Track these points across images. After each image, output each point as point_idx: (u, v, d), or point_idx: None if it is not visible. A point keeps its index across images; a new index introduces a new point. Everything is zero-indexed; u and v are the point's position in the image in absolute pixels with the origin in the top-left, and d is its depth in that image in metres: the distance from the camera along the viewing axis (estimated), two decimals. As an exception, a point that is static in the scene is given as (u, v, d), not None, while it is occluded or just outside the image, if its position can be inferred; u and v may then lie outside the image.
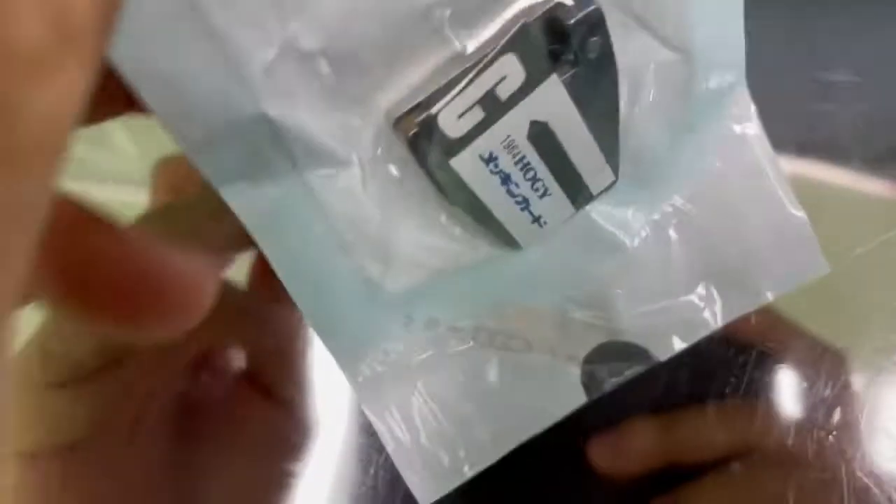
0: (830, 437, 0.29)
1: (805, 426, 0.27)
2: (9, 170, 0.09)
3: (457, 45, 0.19)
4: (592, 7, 0.19)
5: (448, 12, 0.18)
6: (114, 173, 0.21)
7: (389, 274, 0.23)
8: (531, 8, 0.19)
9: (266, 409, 0.29)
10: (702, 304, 0.26)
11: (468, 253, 0.24)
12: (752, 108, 0.24)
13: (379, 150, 0.20)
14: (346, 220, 0.21)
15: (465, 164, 0.20)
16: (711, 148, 0.25)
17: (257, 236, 0.19)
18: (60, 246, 0.14)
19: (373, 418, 0.24)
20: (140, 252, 0.16)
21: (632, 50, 0.22)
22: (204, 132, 0.17)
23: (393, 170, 0.21)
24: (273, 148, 0.18)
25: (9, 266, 0.09)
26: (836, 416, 0.29)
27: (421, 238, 0.23)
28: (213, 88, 0.16)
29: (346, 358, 0.23)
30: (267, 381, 0.29)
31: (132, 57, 0.15)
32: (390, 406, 0.24)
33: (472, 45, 0.19)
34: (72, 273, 0.15)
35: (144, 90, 0.15)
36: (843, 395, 0.30)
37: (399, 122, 0.19)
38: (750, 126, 0.25)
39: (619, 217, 0.25)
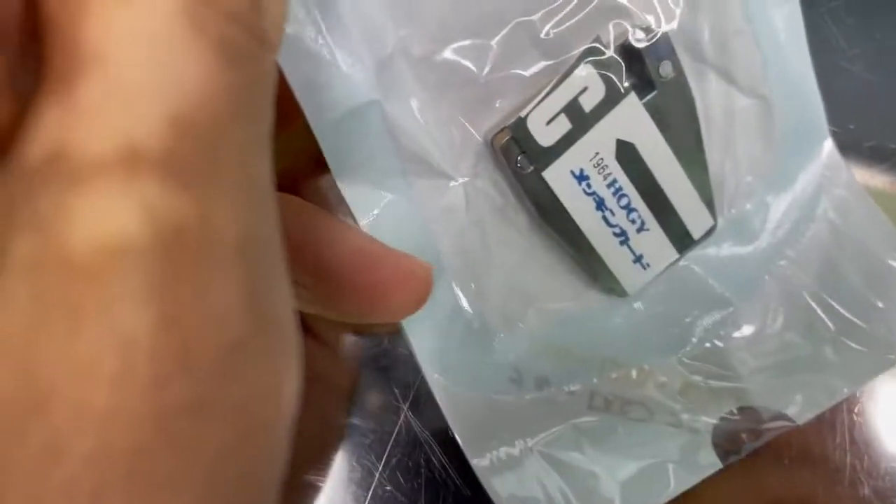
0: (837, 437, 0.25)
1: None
2: (266, 46, 0.11)
3: (540, 60, 0.22)
4: (661, 34, 0.22)
5: (536, 31, 0.21)
6: None
7: (489, 310, 0.23)
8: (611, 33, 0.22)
9: (314, 349, 0.27)
10: (830, 365, 0.24)
11: (571, 294, 0.24)
12: (841, 161, 0.25)
13: (479, 170, 0.22)
14: (448, 242, 0.22)
15: (558, 177, 0.22)
16: (810, 202, 0.25)
17: (369, 228, 0.21)
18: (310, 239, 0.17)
19: (483, 477, 0.23)
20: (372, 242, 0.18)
21: (709, 96, 0.24)
22: (330, 116, 0.19)
23: (494, 194, 0.22)
24: (387, 148, 0.21)
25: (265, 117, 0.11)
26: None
27: (521, 275, 0.23)
28: (339, 75, 0.19)
29: (453, 403, 0.23)
30: (310, 322, 0.27)
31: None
32: (505, 471, 0.23)
33: (553, 59, 0.22)
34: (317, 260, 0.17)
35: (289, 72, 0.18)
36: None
37: (495, 137, 0.22)
38: (846, 180, 0.25)
39: (724, 271, 0.25)
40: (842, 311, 0.25)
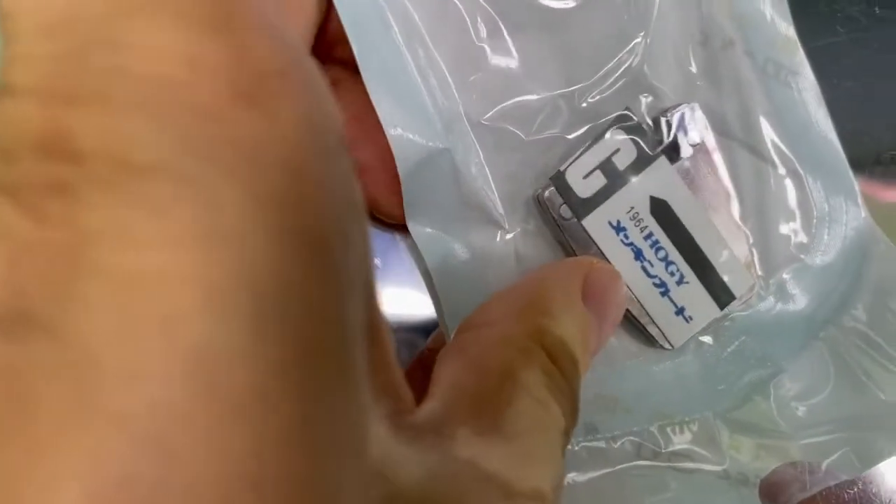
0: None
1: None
2: None
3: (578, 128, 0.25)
4: (686, 104, 0.25)
5: (575, 102, 0.25)
6: None
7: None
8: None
9: None
10: (880, 427, 0.24)
11: (620, 346, 0.25)
12: (878, 230, 0.27)
13: (529, 223, 0.25)
14: (498, 289, 0.25)
15: (597, 226, 0.25)
16: (853, 271, 0.27)
17: (431, 268, 0.24)
18: None
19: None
20: None
21: (740, 169, 0.26)
22: (414, 157, 0.23)
23: (542, 248, 0.25)
24: (452, 196, 0.24)
25: None
26: None
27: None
28: (426, 115, 0.23)
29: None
30: None
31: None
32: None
33: (589, 124, 0.25)
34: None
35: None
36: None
37: (540, 190, 0.25)
38: (884, 249, 0.26)
39: (769, 332, 0.26)
40: (889, 378, 0.25)
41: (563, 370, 0.16)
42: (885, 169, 0.27)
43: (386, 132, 0.21)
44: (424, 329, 0.27)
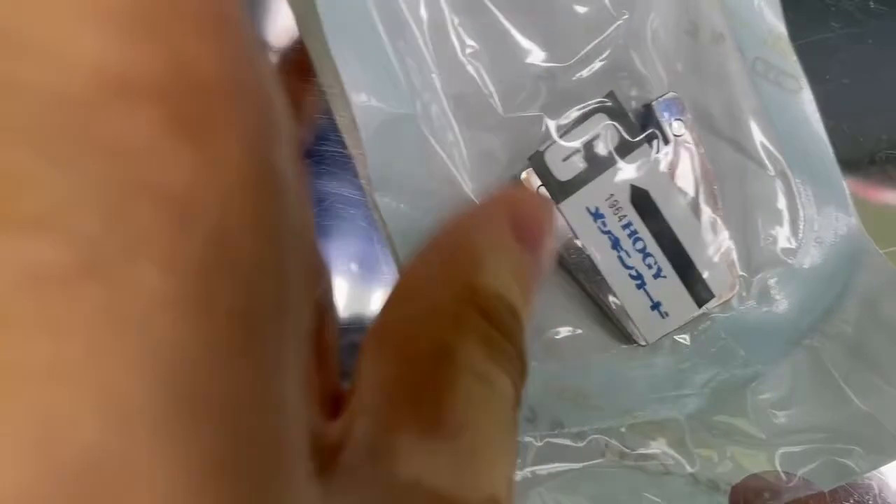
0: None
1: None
2: None
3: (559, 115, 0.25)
4: (671, 93, 0.25)
5: (556, 83, 0.24)
6: None
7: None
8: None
9: None
10: (856, 440, 0.23)
11: (591, 339, 0.24)
12: (868, 240, 0.26)
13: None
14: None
15: (574, 211, 0.24)
16: (839, 281, 0.26)
17: (398, 245, 0.23)
18: None
19: None
20: None
21: (725, 166, 0.26)
22: (374, 128, 0.22)
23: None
24: (420, 167, 0.23)
25: None
26: None
27: (541, 314, 0.24)
28: (393, 76, 0.22)
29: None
30: None
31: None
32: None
33: (571, 106, 0.24)
34: None
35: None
36: None
37: (517, 173, 0.24)
38: (874, 260, 0.25)
39: (749, 335, 0.25)
40: (871, 391, 0.24)
41: (503, 330, 0.14)
42: (880, 169, 0.26)
43: (349, 97, 0.20)
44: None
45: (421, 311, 0.14)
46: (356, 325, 0.27)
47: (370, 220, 0.26)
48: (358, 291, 0.27)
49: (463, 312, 0.14)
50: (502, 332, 0.14)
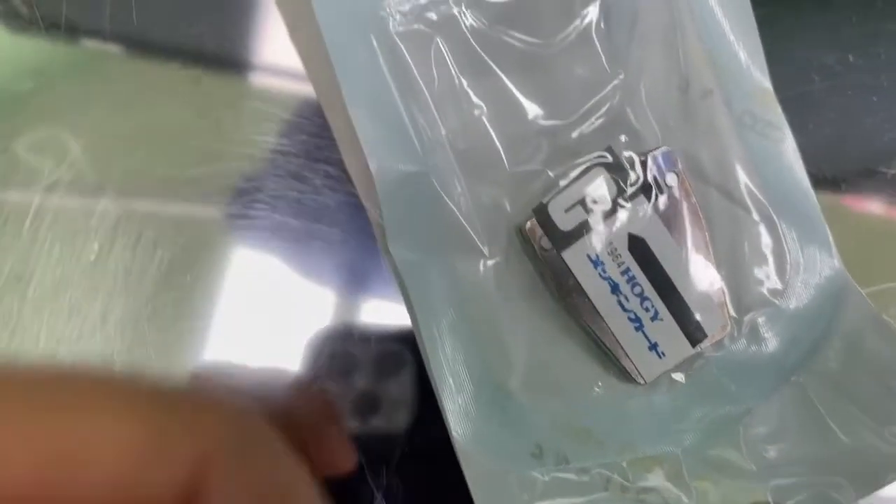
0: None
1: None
2: None
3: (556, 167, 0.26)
4: (665, 147, 0.26)
5: (557, 139, 0.26)
6: (65, 181, 0.25)
7: (514, 381, 0.25)
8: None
9: None
10: (842, 472, 0.25)
11: (592, 379, 0.26)
12: (851, 281, 0.27)
13: (510, 253, 0.26)
14: (479, 313, 0.25)
15: (576, 259, 0.25)
16: (824, 320, 0.27)
17: (411, 293, 0.24)
18: None
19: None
20: None
21: (714, 211, 0.27)
22: (390, 185, 0.24)
23: (522, 278, 0.26)
24: (433, 220, 0.25)
25: None
26: None
27: (546, 355, 0.26)
28: (406, 136, 0.24)
29: (475, 470, 0.24)
30: None
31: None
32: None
33: (572, 160, 0.26)
34: None
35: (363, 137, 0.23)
36: None
37: (522, 224, 0.26)
38: (857, 300, 0.27)
39: (740, 372, 0.27)
40: (854, 425, 0.25)
41: None
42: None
43: (366, 153, 0.22)
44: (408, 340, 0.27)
45: None
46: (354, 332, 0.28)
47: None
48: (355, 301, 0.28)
49: None
50: None
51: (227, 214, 0.26)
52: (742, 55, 0.26)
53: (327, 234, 0.26)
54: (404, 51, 0.24)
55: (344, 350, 0.26)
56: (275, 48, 0.26)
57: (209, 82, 0.26)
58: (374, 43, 0.24)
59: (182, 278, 0.25)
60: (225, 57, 0.26)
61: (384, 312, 0.26)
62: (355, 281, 0.26)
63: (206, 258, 0.25)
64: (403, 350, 0.26)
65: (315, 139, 0.26)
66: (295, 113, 0.26)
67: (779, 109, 0.27)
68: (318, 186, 0.26)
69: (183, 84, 0.26)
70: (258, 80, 0.27)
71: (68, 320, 0.25)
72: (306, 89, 0.26)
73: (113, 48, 0.26)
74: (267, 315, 0.25)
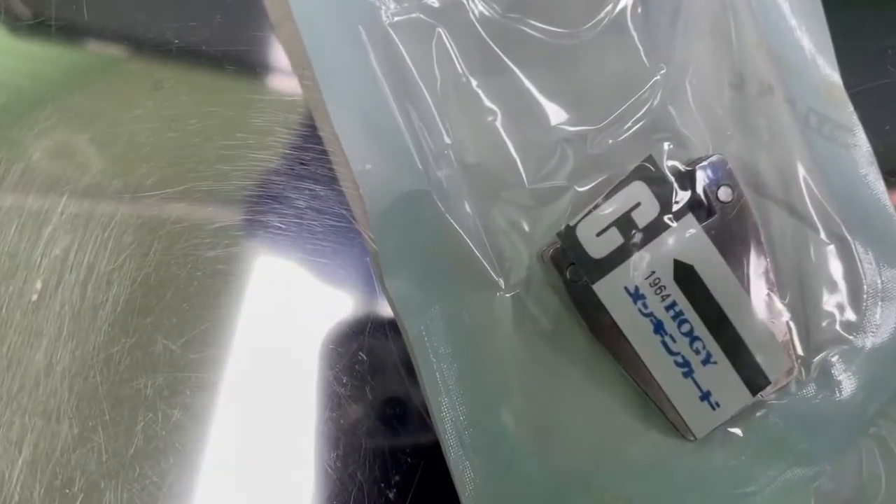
0: None
1: None
2: None
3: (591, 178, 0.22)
4: (716, 155, 0.22)
5: (585, 147, 0.22)
6: (81, 186, 0.22)
7: (531, 437, 0.21)
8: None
9: None
10: None
11: (630, 435, 0.22)
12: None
13: (531, 286, 0.22)
14: (492, 358, 0.21)
15: (610, 292, 0.21)
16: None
17: (411, 336, 0.20)
18: None
19: None
20: None
21: (776, 231, 0.23)
22: (384, 206, 0.20)
23: (544, 316, 0.22)
24: (437, 246, 0.21)
25: None
26: None
27: (572, 406, 0.22)
28: (392, 162, 0.20)
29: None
30: None
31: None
32: None
33: (604, 174, 0.22)
34: None
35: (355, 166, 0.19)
36: None
37: (545, 250, 0.21)
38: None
39: (810, 425, 0.22)
40: None
41: None
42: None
43: (353, 169, 0.18)
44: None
45: None
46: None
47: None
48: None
49: None
50: None
51: (190, 252, 0.22)
52: (807, 45, 0.22)
53: (317, 268, 0.22)
54: (400, 45, 0.20)
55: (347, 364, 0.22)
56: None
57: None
58: (364, 36, 0.20)
59: (142, 321, 0.21)
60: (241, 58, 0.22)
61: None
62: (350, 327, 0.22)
63: (171, 294, 0.21)
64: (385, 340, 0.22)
65: (299, 152, 0.22)
66: (283, 124, 0.22)
67: (850, 108, 0.22)
68: (302, 209, 0.22)
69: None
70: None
71: (6, 371, 0.21)
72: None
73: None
74: (237, 364, 0.21)
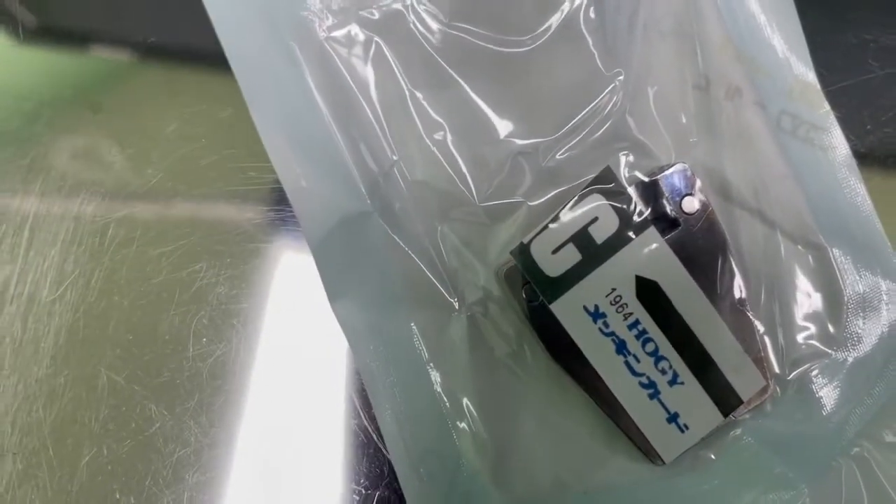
0: None
1: None
2: None
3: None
4: (679, 164, 0.21)
5: (538, 160, 0.21)
6: (107, 187, 0.21)
7: (497, 469, 0.20)
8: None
9: None
10: None
11: (595, 462, 0.21)
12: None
13: (488, 306, 0.21)
14: (448, 383, 0.20)
15: (568, 312, 0.20)
16: (893, 373, 0.21)
17: (360, 367, 0.19)
18: None
19: None
20: None
21: (747, 240, 0.22)
22: (324, 229, 0.19)
23: (501, 339, 0.21)
24: (384, 270, 0.20)
25: None
26: None
27: (534, 433, 0.21)
28: (331, 184, 0.19)
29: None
30: None
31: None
32: None
33: (558, 188, 0.21)
34: None
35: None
36: None
37: (500, 268, 0.20)
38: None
39: (788, 446, 0.21)
40: None
41: None
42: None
43: (285, 187, 0.17)
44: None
45: None
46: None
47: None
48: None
49: None
50: None
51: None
52: (777, 42, 0.21)
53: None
54: (337, 60, 0.19)
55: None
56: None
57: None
58: (297, 52, 0.19)
59: (90, 350, 0.20)
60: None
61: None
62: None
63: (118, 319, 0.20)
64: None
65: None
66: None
67: (826, 107, 0.21)
68: (251, 232, 0.21)
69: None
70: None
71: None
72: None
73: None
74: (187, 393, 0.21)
